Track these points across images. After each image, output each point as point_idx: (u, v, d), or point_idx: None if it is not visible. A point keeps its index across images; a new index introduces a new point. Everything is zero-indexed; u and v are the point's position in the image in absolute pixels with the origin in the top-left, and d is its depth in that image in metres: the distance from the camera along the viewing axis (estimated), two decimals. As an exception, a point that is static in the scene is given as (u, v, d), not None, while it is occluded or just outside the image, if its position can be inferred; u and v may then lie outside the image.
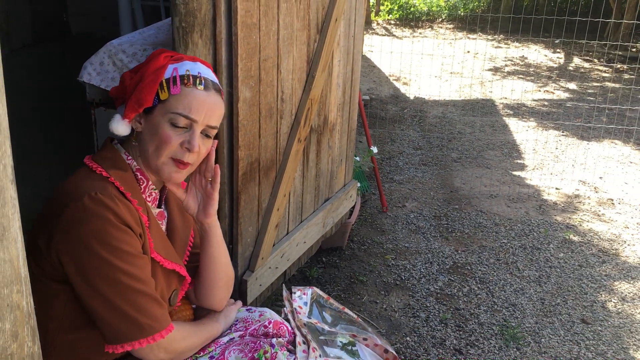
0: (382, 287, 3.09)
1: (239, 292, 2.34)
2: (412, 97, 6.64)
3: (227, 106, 2.11)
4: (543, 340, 2.73)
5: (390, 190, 4.23)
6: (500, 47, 9.40)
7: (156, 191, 1.48)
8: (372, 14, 10.74)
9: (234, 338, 1.64)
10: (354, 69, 2.96)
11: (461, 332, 2.77)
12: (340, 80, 2.80)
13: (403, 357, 2.60)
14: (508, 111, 6.26)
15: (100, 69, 2.36)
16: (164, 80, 1.38)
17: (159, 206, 1.52)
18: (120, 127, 1.40)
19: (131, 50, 2.35)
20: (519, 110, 6.29)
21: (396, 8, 11.08)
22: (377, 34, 9.90)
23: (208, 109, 1.39)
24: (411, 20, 10.81)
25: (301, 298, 1.98)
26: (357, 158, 3.68)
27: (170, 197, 1.57)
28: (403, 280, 3.15)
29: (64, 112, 4.48)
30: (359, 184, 3.43)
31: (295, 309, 1.87)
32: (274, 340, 1.60)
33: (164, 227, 1.53)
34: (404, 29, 10.35)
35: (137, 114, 1.40)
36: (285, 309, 1.90)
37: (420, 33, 10.08)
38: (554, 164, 4.83)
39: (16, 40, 6.32)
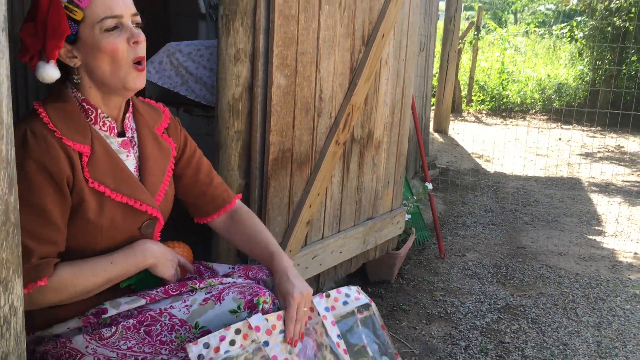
0: (425, 316, 2.96)
1: (263, 281, 2.34)
2: (492, 172, 6.53)
3: (262, 91, 2.23)
4: (593, 378, 2.49)
5: (452, 242, 4.12)
6: (595, 137, 9.12)
7: (110, 119, 1.46)
8: (464, 104, 10.84)
9: (236, 282, 1.63)
10: (405, 93, 3.02)
11: (501, 362, 2.58)
12: (387, 99, 2.87)
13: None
14: (594, 188, 5.99)
15: (159, 67, 2.59)
16: (66, 4, 1.33)
17: (121, 135, 1.49)
18: (49, 70, 1.34)
19: (186, 50, 2.57)
20: (607, 189, 6.00)
21: (488, 99, 11.14)
22: (466, 120, 9.95)
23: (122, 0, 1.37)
24: (503, 110, 10.79)
25: (346, 304, 1.63)
26: (414, 197, 3.66)
27: (142, 126, 1.55)
28: (448, 314, 3.00)
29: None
30: (408, 216, 3.38)
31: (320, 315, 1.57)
32: (276, 301, 1.57)
33: (131, 156, 1.51)
34: (494, 118, 10.34)
35: (64, 49, 1.36)
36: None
37: (511, 122, 10.02)
38: (637, 234, 4.51)
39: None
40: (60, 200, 1.33)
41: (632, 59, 10.30)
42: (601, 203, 5.39)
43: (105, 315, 1.48)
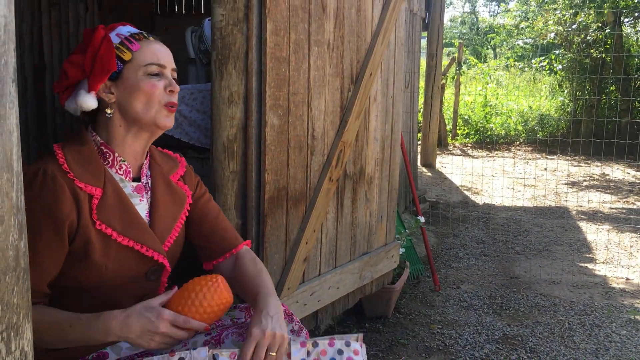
0: (424, 350, 2.96)
1: (262, 320, 2.34)
2: (481, 203, 6.60)
3: (256, 131, 2.28)
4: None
5: (446, 275, 4.13)
6: (580, 166, 9.26)
7: (126, 163, 1.50)
8: (449, 138, 10.99)
9: (237, 321, 1.64)
10: (394, 129, 3.09)
11: (503, 393, 2.57)
12: (377, 135, 2.93)
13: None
14: (582, 216, 6.06)
15: (153, 111, 2.63)
16: (117, 44, 1.45)
17: (136, 179, 1.53)
18: (88, 99, 1.44)
19: (180, 94, 2.61)
20: (594, 216, 6.08)
21: (473, 132, 11.30)
22: (452, 154, 10.07)
23: (167, 53, 1.51)
24: (489, 143, 10.94)
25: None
26: (407, 231, 3.69)
27: (156, 174, 1.58)
28: (447, 347, 3.01)
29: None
30: (402, 249, 3.41)
31: None
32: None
33: (144, 201, 1.54)
34: (480, 151, 10.48)
35: (103, 84, 1.45)
36: None
37: (496, 154, 10.16)
38: (627, 260, 4.56)
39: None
40: (55, 244, 1.35)
41: (611, 88, 10.54)
42: (590, 231, 5.45)
43: None
